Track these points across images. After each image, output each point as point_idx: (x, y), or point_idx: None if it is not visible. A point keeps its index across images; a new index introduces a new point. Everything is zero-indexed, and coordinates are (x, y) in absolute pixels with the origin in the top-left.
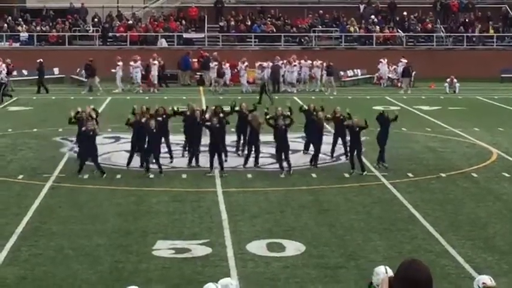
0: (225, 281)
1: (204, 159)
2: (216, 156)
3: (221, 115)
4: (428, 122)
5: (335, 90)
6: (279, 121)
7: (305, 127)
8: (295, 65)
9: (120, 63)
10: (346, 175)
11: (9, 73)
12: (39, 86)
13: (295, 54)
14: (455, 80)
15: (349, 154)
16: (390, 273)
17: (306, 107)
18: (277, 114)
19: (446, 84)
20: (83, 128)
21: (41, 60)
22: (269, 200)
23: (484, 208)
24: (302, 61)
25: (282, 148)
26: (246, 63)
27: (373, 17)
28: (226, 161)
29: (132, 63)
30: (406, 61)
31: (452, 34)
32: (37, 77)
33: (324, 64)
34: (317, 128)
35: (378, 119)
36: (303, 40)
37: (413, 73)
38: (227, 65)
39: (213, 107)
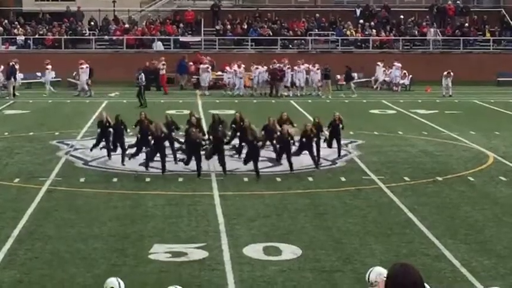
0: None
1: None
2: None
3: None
4: (425, 126)
5: (330, 94)
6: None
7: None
8: (288, 68)
9: (49, 66)
10: (343, 179)
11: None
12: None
13: (290, 57)
14: (452, 74)
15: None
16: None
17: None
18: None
19: (442, 78)
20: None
21: (13, 62)
22: (265, 204)
23: (481, 212)
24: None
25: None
26: (242, 67)
27: (362, 21)
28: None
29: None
30: (399, 65)
31: (447, 38)
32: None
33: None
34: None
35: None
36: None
37: (410, 77)
38: (233, 68)
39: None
